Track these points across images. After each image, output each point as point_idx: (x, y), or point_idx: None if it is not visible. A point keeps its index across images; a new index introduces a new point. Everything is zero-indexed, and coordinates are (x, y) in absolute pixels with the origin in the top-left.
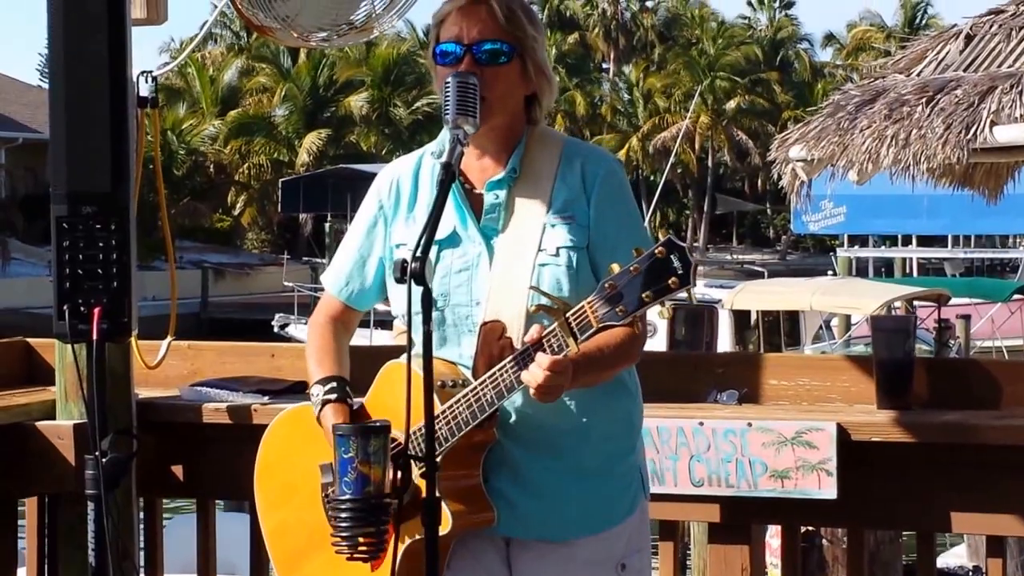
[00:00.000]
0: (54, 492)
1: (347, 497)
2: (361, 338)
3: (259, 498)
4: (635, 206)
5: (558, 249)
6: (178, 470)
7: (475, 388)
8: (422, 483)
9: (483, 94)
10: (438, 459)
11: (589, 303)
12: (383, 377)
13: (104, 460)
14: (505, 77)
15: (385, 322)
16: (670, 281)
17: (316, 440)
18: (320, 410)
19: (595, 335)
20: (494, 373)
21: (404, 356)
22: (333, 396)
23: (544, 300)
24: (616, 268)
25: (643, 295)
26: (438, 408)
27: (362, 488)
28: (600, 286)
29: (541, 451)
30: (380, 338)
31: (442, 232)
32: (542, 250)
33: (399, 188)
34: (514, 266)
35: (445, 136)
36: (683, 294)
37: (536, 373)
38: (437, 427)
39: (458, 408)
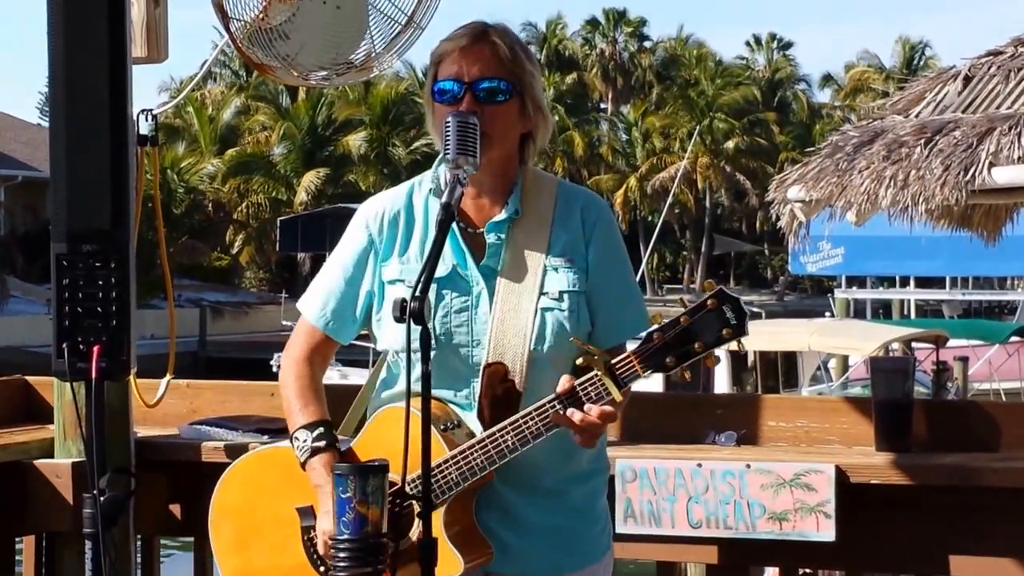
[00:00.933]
0: (52, 530)
1: (345, 537)
2: (360, 379)
3: (218, 538)
4: (626, 253)
5: (561, 293)
6: (176, 509)
7: (493, 435)
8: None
9: (483, 130)
10: (446, 503)
11: (635, 354)
12: (380, 420)
13: (102, 499)
14: (504, 115)
15: (354, 361)
16: (724, 332)
17: (291, 483)
18: (309, 457)
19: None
20: (517, 421)
21: (401, 401)
22: (322, 443)
23: (583, 350)
24: (661, 319)
25: (695, 345)
26: (447, 452)
27: (360, 528)
28: (647, 336)
29: (535, 493)
30: (354, 378)
31: (441, 271)
32: (544, 293)
33: (392, 224)
34: (517, 309)
35: (437, 172)
36: (733, 344)
37: (578, 415)
38: (447, 471)
39: (473, 453)
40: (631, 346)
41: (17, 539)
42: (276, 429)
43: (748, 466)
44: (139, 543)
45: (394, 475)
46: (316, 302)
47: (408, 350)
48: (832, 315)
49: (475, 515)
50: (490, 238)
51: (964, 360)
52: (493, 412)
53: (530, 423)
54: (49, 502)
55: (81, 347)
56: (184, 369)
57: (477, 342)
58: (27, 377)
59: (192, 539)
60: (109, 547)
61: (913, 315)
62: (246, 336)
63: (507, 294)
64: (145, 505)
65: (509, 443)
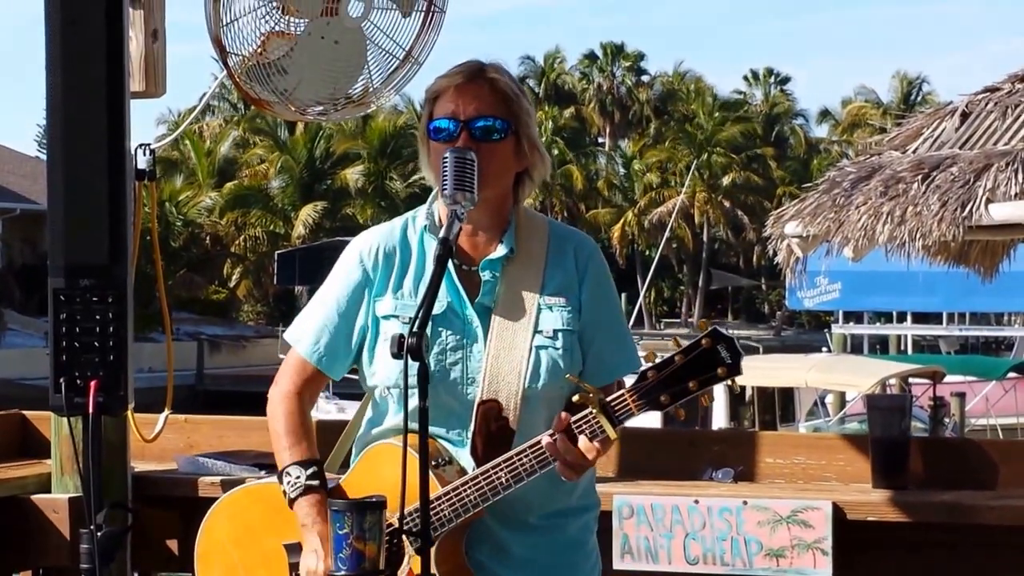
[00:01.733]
0: (49, 566)
1: (342, 573)
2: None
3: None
4: (615, 290)
5: (555, 332)
6: (173, 544)
7: (487, 472)
8: (416, 566)
9: (479, 168)
10: (438, 540)
11: (630, 392)
12: (370, 456)
13: (99, 534)
14: (500, 153)
15: (357, 395)
16: (719, 370)
17: (279, 519)
18: (300, 494)
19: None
20: (511, 458)
21: (392, 437)
22: (316, 482)
23: (578, 388)
24: (655, 357)
25: (690, 384)
26: (439, 489)
27: (357, 565)
28: (641, 374)
29: (525, 528)
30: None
31: (436, 309)
32: (539, 331)
33: (386, 259)
34: (512, 347)
35: (432, 208)
36: (728, 382)
37: (572, 452)
38: (440, 508)
39: (466, 490)
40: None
41: (14, 575)
42: (273, 464)
43: (745, 502)
44: None
45: (386, 512)
46: (309, 336)
47: (406, 386)
48: (829, 350)
49: (466, 551)
50: (485, 275)
51: (961, 396)
52: (487, 449)
53: (524, 460)
54: (46, 537)
55: (78, 382)
56: (181, 402)
57: (472, 379)
58: (24, 412)
59: (189, 574)
60: None
61: (910, 351)
62: (243, 369)
63: (502, 331)
64: (142, 540)
65: (503, 480)
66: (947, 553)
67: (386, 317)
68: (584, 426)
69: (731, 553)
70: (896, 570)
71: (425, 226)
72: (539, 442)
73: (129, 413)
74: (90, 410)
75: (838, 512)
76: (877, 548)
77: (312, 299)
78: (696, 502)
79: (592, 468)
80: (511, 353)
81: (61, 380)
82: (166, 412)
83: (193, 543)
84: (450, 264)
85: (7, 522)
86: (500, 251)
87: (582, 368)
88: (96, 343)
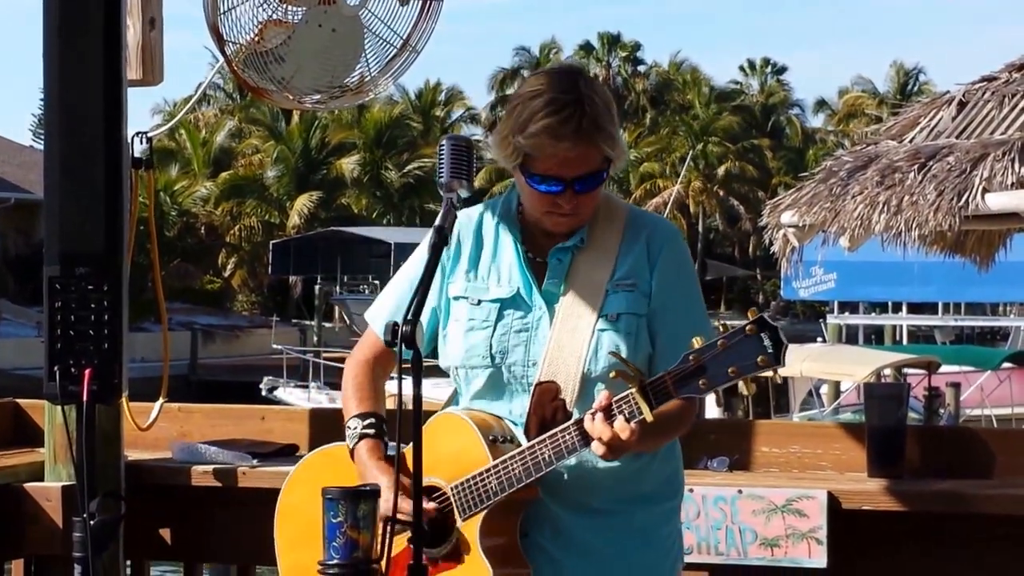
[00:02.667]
0: (41, 554)
1: (335, 562)
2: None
3: (279, 537)
4: (695, 276)
5: (619, 315)
6: (166, 533)
7: (532, 446)
8: (465, 533)
9: (577, 212)
10: (483, 512)
11: (670, 374)
12: (435, 425)
13: (92, 523)
14: (597, 192)
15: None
16: (759, 359)
17: (346, 480)
18: (356, 443)
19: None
20: (555, 434)
21: (452, 407)
22: (371, 431)
23: (620, 365)
24: (698, 342)
25: (729, 370)
26: (490, 461)
27: (350, 553)
28: (683, 358)
29: (585, 511)
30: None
31: (504, 293)
32: (603, 315)
33: (460, 241)
34: (575, 330)
35: (511, 196)
36: (768, 372)
37: (607, 431)
38: (487, 480)
39: (512, 464)
40: None
41: (6, 563)
42: (266, 453)
43: (740, 492)
44: (129, 567)
45: (440, 480)
46: (383, 315)
47: (400, 375)
48: (824, 340)
49: (525, 533)
50: (552, 262)
51: (956, 386)
52: (540, 430)
53: (567, 436)
54: (39, 526)
55: (73, 370)
56: (175, 392)
57: (533, 362)
58: (17, 400)
59: (182, 564)
60: (99, 571)
61: (905, 341)
62: (237, 359)
63: (567, 317)
64: (136, 529)
65: (546, 455)
66: (942, 542)
67: (456, 298)
68: (624, 406)
69: (726, 542)
70: (891, 559)
71: (499, 215)
72: (582, 419)
73: (123, 401)
74: (84, 398)
75: (833, 501)
76: (872, 537)
77: (391, 280)
78: (691, 491)
79: (675, 451)
80: (574, 336)
81: (55, 368)
82: (160, 401)
83: (186, 532)
84: (522, 252)
85: None
86: (570, 241)
87: (651, 352)
88: (91, 332)
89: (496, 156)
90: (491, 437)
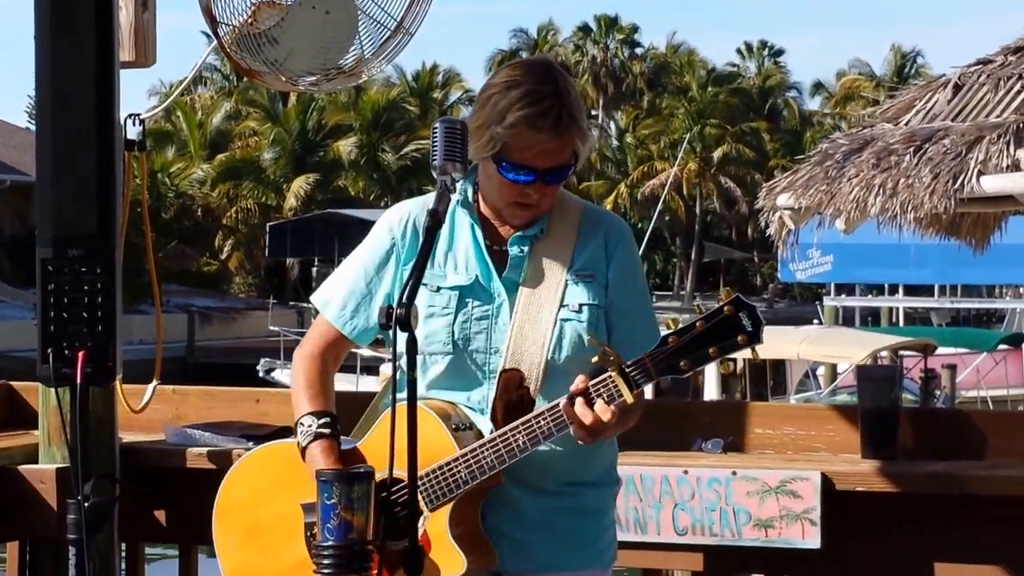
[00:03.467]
0: (36, 537)
1: (329, 544)
2: (348, 384)
3: (221, 535)
4: (643, 271)
5: (581, 306)
6: (161, 515)
7: (504, 434)
8: (433, 523)
9: (540, 204)
10: (452, 502)
11: (650, 356)
12: (387, 420)
13: (86, 505)
14: (560, 185)
15: (371, 368)
16: (739, 338)
17: (295, 479)
18: (311, 441)
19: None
20: (528, 420)
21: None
22: (327, 431)
23: (598, 350)
24: (675, 323)
25: (709, 350)
26: (457, 450)
27: (344, 535)
28: (662, 339)
29: (541, 493)
30: (366, 384)
31: (463, 280)
32: (564, 305)
33: (415, 229)
34: (537, 319)
35: (465, 183)
36: (747, 352)
37: (589, 415)
38: (457, 469)
39: (483, 452)
40: None
41: (1, 545)
42: (261, 436)
43: (734, 473)
44: (124, 549)
45: (400, 472)
46: (336, 301)
47: (395, 357)
48: (821, 323)
49: (483, 518)
50: (513, 251)
51: (952, 368)
52: (506, 416)
53: (542, 422)
54: (33, 508)
55: (66, 352)
56: (172, 374)
57: (495, 349)
58: (11, 383)
59: (177, 545)
60: (93, 553)
61: (902, 323)
62: (234, 342)
63: (528, 305)
64: (130, 511)
65: (520, 442)
66: (936, 523)
67: None
68: (602, 389)
69: (720, 524)
70: (884, 540)
71: (458, 200)
72: (558, 404)
73: (117, 384)
74: (78, 381)
75: (827, 483)
76: (866, 518)
77: (342, 264)
78: (685, 473)
79: (614, 446)
80: (536, 325)
81: (49, 350)
82: (154, 383)
83: (180, 514)
84: (481, 240)
85: None
86: (531, 230)
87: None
88: (84, 314)
89: (469, 146)
90: (452, 426)
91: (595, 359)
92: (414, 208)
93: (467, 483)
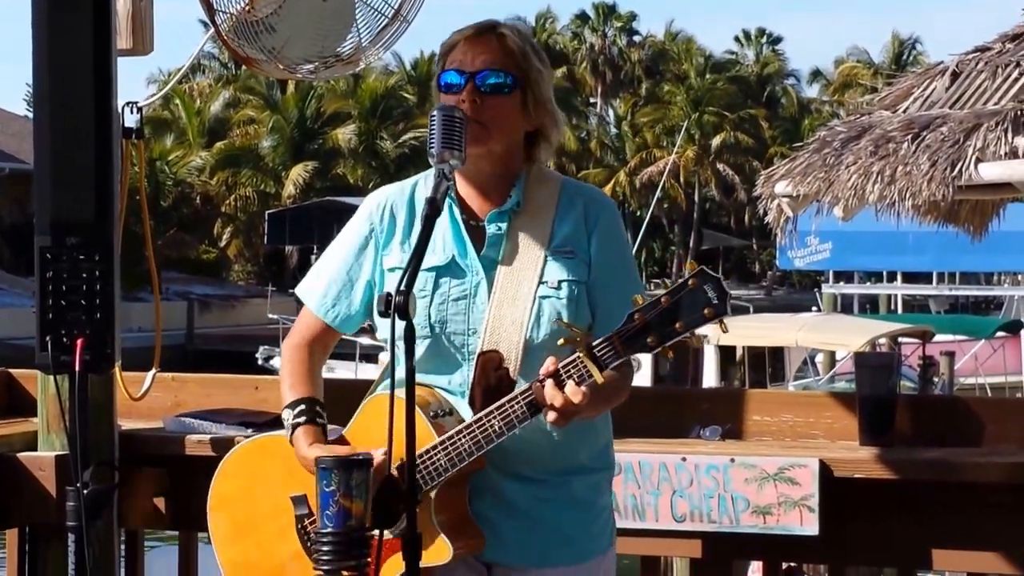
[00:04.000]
0: (35, 524)
1: (328, 531)
2: (347, 371)
3: (216, 529)
4: (630, 246)
5: (560, 282)
6: (160, 502)
7: (480, 419)
8: (418, 511)
9: (482, 120)
10: (435, 490)
11: (617, 334)
12: (369, 407)
13: (86, 492)
14: (505, 107)
15: (370, 356)
16: (705, 311)
17: (287, 471)
18: (291, 434)
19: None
20: (503, 405)
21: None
22: (301, 419)
23: (566, 331)
24: (640, 300)
25: (676, 325)
26: (435, 439)
27: (344, 522)
28: (628, 317)
29: (526, 481)
30: (365, 372)
31: (440, 260)
32: (543, 282)
33: (393, 214)
34: (515, 298)
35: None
36: (715, 325)
37: (559, 397)
38: (436, 457)
39: (460, 439)
40: None
41: (0, 533)
42: (260, 423)
43: (732, 460)
44: (123, 536)
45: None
46: (318, 291)
47: (392, 345)
48: (819, 310)
49: (471, 503)
50: (491, 228)
51: (950, 355)
52: (485, 400)
53: (515, 407)
54: (32, 495)
55: (65, 340)
56: (172, 362)
57: (473, 331)
58: (10, 370)
59: (177, 533)
60: (93, 540)
61: (900, 310)
62: (233, 329)
63: (506, 283)
64: (129, 498)
65: (495, 427)
66: (933, 510)
67: (392, 270)
68: (572, 370)
69: (718, 510)
70: (882, 527)
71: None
72: (529, 387)
73: (116, 371)
74: (76, 368)
75: (825, 469)
76: (864, 505)
77: (323, 254)
78: (683, 460)
79: (606, 430)
80: (514, 304)
81: (47, 338)
82: (153, 370)
83: (180, 501)
84: (459, 217)
85: None
86: (506, 204)
87: (591, 322)
88: (83, 301)
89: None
90: (431, 413)
91: (560, 341)
92: (392, 193)
93: (447, 470)
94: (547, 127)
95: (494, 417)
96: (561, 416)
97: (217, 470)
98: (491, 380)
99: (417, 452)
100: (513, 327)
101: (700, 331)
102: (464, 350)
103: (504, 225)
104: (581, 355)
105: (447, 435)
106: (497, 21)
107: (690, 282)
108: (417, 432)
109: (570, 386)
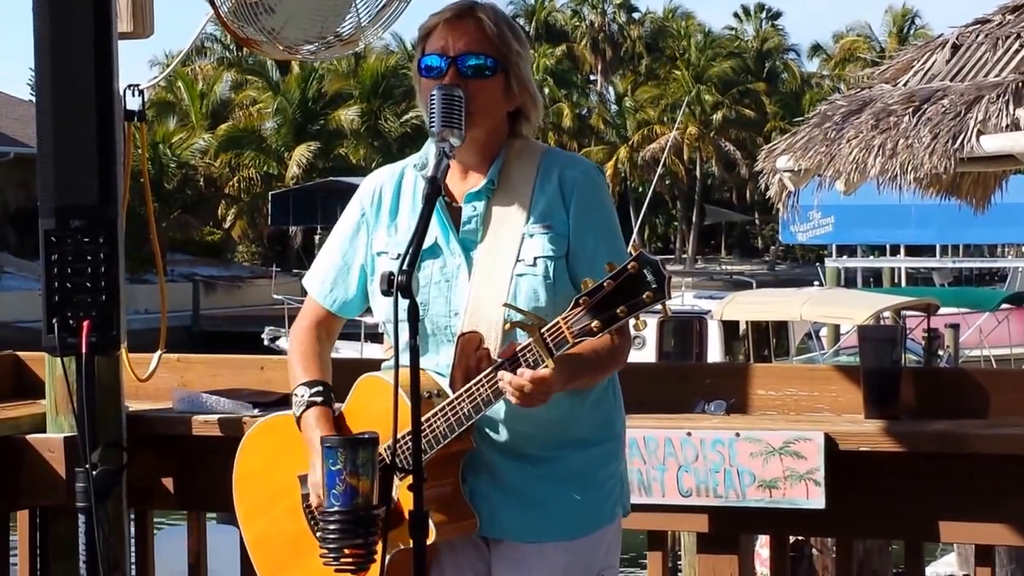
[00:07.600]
0: (45, 505)
1: (335, 509)
2: (352, 351)
3: (239, 507)
4: (613, 212)
5: (535, 259)
6: (168, 482)
7: (452, 402)
8: (403, 494)
9: (466, 106)
10: None
11: (564, 319)
12: (361, 388)
13: (95, 473)
14: (488, 90)
15: (375, 335)
16: (644, 295)
17: (296, 449)
18: (304, 410)
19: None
20: (470, 387)
21: (383, 368)
22: (319, 399)
23: (519, 316)
24: (589, 284)
25: (617, 310)
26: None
27: (350, 500)
28: (574, 302)
29: (521, 458)
30: (370, 351)
31: (425, 243)
32: (520, 260)
33: (381, 196)
34: (492, 277)
35: (428, 149)
36: (658, 306)
37: (515, 383)
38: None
39: (436, 422)
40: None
41: (11, 515)
42: (267, 403)
43: (737, 434)
44: (132, 516)
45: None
46: (318, 277)
47: (396, 323)
48: (822, 284)
49: (464, 479)
50: (467, 210)
51: (955, 327)
52: (464, 381)
53: (481, 390)
54: (42, 477)
55: (71, 322)
56: (178, 343)
57: (455, 313)
58: (18, 352)
59: (185, 512)
60: (102, 521)
61: (904, 283)
62: (239, 310)
63: (486, 264)
64: (138, 479)
65: (466, 410)
66: (939, 482)
67: (379, 254)
68: (527, 355)
69: (724, 485)
70: (888, 499)
71: (414, 165)
72: (492, 371)
73: (123, 352)
74: (83, 350)
75: (830, 443)
76: (869, 478)
77: (325, 244)
78: (689, 435)
79: (606, 402)
80: (492, 284)
81: (54, 320)
82: (159, 351)
83: (188, 481)
84: (440, 201)
85: (2, 462)
86: (481, 184)
87: (574, 293)
88: (88, 283)
89: (419, 95)
90: (425, 395)
91: (507, 326)
92: (382, 176)
93: (426, 453)
94: (528, 107)
95: (463, 400)
96: (521, 399)
97: (239, 447)
98: (471, 361)
99: (400, 435)
100: (492, 307)
101: (708, 309)
102: (447, 332)
103: (481, 205)
104: (531, 341)
105: (423, 418)
106: (475, 2)
107: (630, 266)
108: (401, 414)
109: (523, 371)
